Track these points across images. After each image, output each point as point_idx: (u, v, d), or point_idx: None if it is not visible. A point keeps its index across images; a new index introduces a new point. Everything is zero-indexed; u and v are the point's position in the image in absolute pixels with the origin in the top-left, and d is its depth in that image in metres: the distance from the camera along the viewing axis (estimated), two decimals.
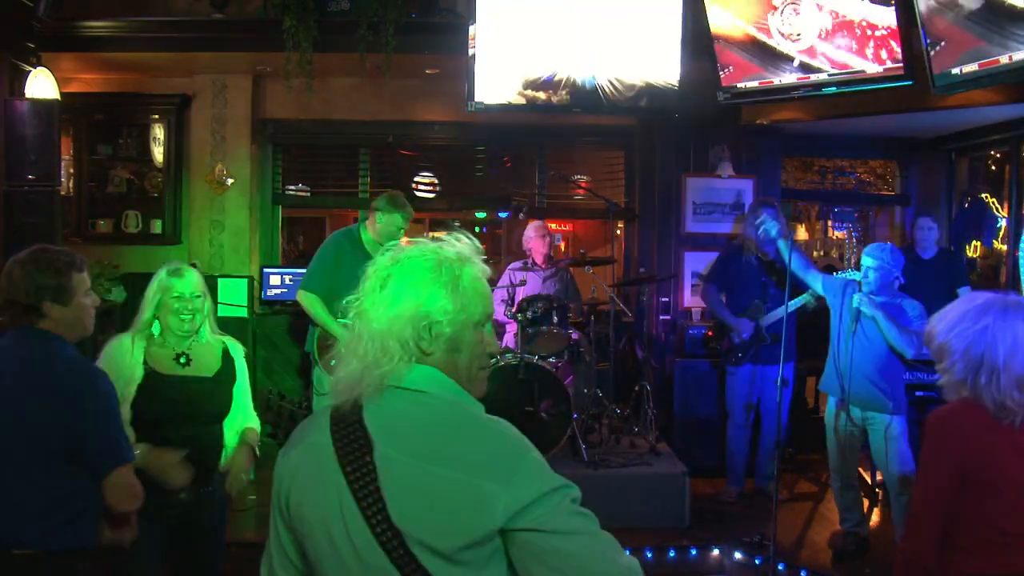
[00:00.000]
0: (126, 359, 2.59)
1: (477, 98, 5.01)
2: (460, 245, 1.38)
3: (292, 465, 1.34)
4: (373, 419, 1.29)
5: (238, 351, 2.82)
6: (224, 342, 2.79)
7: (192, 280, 2.66)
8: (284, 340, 5.81)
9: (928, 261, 5.18)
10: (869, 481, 5.04)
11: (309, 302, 4.27)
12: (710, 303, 5.10)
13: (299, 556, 1.35)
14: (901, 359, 3.93)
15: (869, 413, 3.97)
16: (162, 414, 2.59)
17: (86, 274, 2.27)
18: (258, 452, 2.85)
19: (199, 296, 2.66)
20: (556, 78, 5.06)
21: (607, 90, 5.11)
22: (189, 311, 2.63)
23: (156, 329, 2.66)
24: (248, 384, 2.87)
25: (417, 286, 1.31)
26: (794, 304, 4.54)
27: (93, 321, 2.31)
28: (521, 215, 6.01)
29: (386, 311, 1.31)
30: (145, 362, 2.61)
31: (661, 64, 5.12)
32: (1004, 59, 3.83)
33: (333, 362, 4.34)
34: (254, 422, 2.88)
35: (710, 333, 5.30)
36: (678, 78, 5.12)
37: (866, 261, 3.94)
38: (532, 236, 5.41)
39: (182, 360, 2.66)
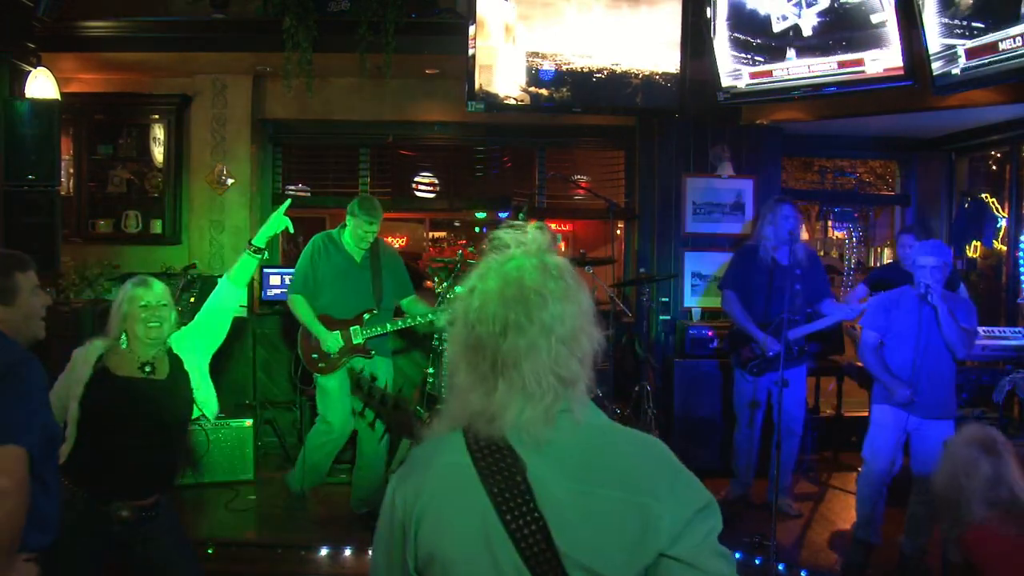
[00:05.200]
0: (90, 359, 2.65)
1: (478, 95, 5.01)
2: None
3: (421, 490, 1.24)
4: (517, 438, 1.21)
5: (182, 344, 2.81)
6: (169, 344, 2.79)
7: (158, 290, 2.71)
8: (284, 340, 5.81)
9: None
10: None
11: (295, 304, 4.43)
12: (733, 312, 4.73)
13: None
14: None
15: (929, 420, 3.83)
16: (110, 411, 2.60)
17: (32, 273, 2.24)
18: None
19: (165, 305, 2.70)
20: (558, 75, 5.06)
21: (608, 88, 5.11)
22: (157, 319, 2.68)
23: (124, 343, 2.70)
24: (201, 374, 2.85)
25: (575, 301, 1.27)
26: (816, 326, 4.59)
27: (43, 323, 2.27)
28: (521, 215, 6.00)
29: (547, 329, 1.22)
30: (100, 361, 2.64)
31: (662, 63, 5.12)
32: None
33: (314, 355, 4.24)
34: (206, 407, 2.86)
35: (711, 333, 5.26)
36: (678, 78, 5.12)
37: (927, 260, 3.76)
38: None
39: (147, 369, 2.68)
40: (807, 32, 4.65)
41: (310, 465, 4.48)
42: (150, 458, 2.63)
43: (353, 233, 4.40)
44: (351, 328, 4.39)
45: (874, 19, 4.38)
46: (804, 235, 7.51)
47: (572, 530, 1.16)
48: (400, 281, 4.60)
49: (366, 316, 4.40)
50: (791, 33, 4.71)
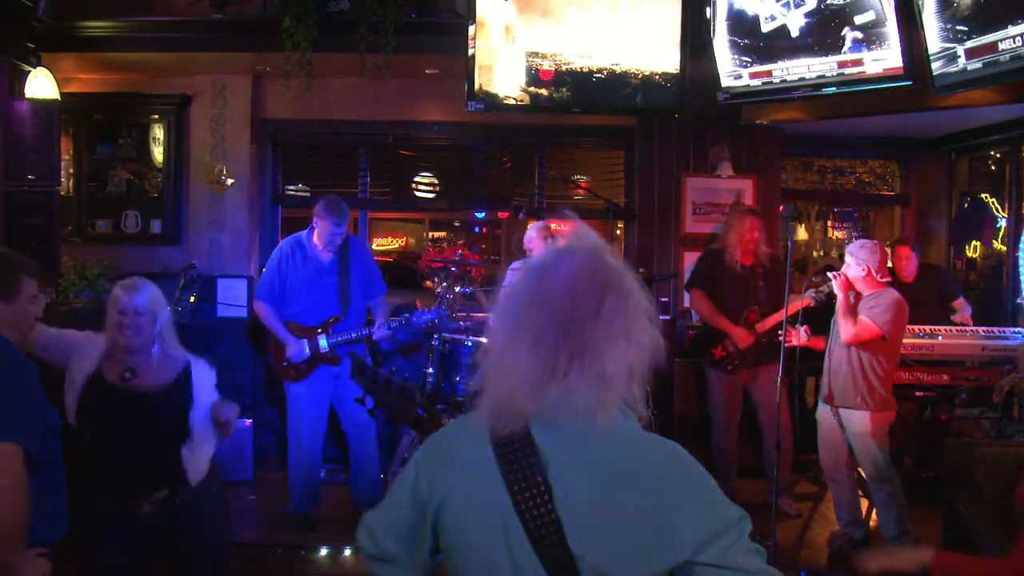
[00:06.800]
0: (96, 353, 2.65)
1: (478, 95, 5.00)
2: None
3: (445, 479, 1.25)
4: (543, 436, 1.19)
5: (205, 375, 2.74)
6: (188, 362, 2.71)
7: (139, 297, 2.62)
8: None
9: (911, 284, 5.07)
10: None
11: (261, 311, 4.41)
12: (702, 309, 4.87)
13: (432, 552, 1.29)
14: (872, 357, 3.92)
15: (841, 408, 4.02)
16: (105, 423, 2.58)
17: (34, 282, 2.28)
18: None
19: (141, 315, 2.61)
20: (557, 75, 5.06)
21: (608, 88, 5.11)
22: (133, 327, 2.60)
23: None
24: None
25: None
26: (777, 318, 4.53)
27: (32, 329, 2.34)
28: (521, 215, 6.01)
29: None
30: (99, 366, 2.62)
31: (662, 63, 5.12)
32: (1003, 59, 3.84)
33: (285, 362, 4.10)
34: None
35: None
36: (678, 78, 5.12)
37: (846, 258, 4.07)
38: (533, 237, 5.38)
39: (127, 375, 2.62)
40: (801, 32, 4.65)
41: (299, 484, 4.47)
42: (146, 459, 2.60)
43: (321, 236, 4.33)
44: (318, 336, 4.35)
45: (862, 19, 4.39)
46: (803, 234, 7.50)
47: (588, 534, 1.15)
48: (367, 281, 4.53)
49: (333, 323, 4.39)
50: (787, 33, 4.71)
